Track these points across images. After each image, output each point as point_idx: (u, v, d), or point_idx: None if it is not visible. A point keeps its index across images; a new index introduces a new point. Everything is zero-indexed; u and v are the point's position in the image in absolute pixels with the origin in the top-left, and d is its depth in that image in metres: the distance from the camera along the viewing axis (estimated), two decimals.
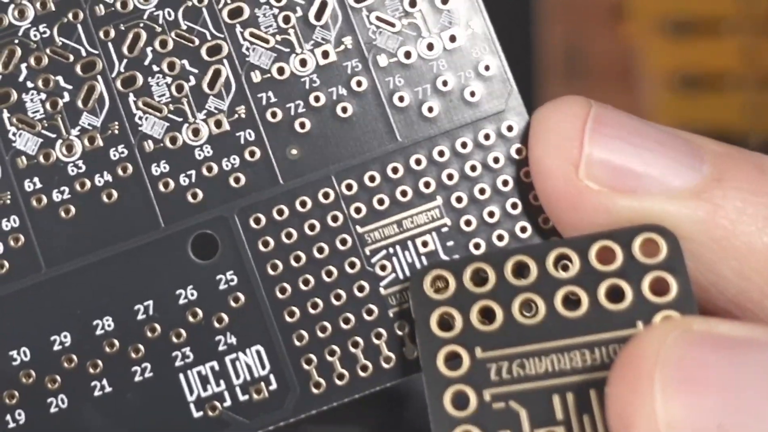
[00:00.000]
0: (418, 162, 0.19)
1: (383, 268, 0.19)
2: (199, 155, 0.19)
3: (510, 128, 0.19)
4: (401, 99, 0.19)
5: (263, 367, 0.19)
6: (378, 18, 0.19)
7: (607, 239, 0.17)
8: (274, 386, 0.19)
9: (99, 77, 0.19)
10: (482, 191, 0.19)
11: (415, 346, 0.19)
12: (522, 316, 0.17)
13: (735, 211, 0.17)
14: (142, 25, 0.19)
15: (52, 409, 0.19)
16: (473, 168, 0.19)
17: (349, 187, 0.19)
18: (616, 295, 0.17)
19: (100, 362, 0.19)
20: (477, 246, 0.19)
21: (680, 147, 0.17)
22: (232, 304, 0.19)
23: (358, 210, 0.19)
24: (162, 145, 0.19)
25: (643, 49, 0.59)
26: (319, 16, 0.19)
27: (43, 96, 0.19)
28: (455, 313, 0.17)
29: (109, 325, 0.19)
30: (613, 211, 0.17)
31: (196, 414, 0.19)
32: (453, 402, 0.17)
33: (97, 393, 0.19)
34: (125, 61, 0.19)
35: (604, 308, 0.17)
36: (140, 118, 0.19)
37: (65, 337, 0.19)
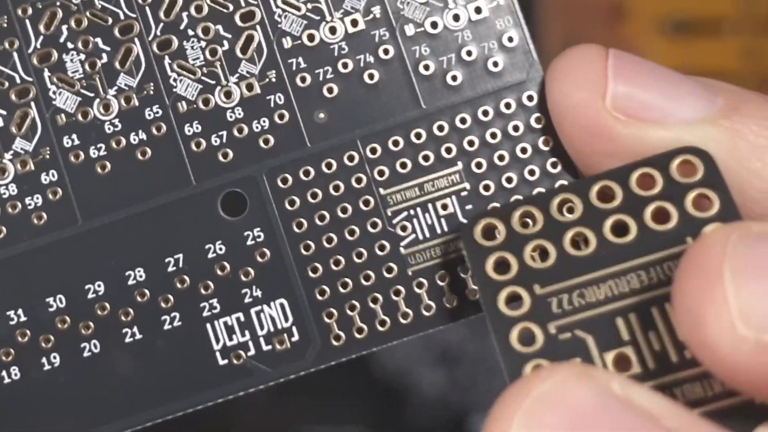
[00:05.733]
0: (440, 128, 0.20)
1: (404, 228, 0.20)
2: (231, 117, 0.20)
3: (531, 98, 0.20)
4: (426, 68, 0.20)
5: (286, 320, 0.20)
6: None
7: (646, 166, 0.18)
8: (296, 338, 0.20)
9: (136, 40, 0.20)
10: (501, 158, 0.20)
11: (431, 302, 0.19)
12: (574, 249, 0.18)
13: (753, 135, 0.18)
14: None
15: (86, 354, 0.20)
16: (493, 135, 0.20)
17: (373, 150, 0.20)
18: (661, 217, 0.18)
19: (131, 311, 0.20)
20: None
21: (695, 83, 0.19)
22: (259, 259, 0.20)
23: (381, 173, 0.20)
24: (195, 106, 0.20)
25: (643, 49, 0.60)
26: None
27: (83, 57, 0.20)
28: (509, 256, 0.18)
29: (140, 276, 0.20)
30: (642, 138, 0.18)
31: (222, 362, 0.20)
32: (520, 339, 0.17)
33: (128, 339, 0.20)
34: (161, 24, 0.20)
35: (652, 230, 0.18)
36: (175, 80, 0.20)
37: (99, 286, 0.20)
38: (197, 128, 0.20)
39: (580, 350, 0.17)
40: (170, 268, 0.20)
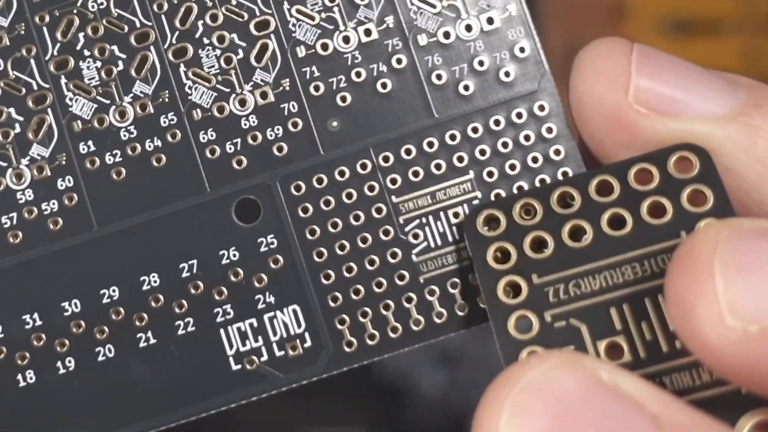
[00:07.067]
0: (452, 137, 0.20)
1: (416, 236, 0.20)
2: (245, 124, 0.20)
3: (542, 108, 0.20)
4: (439, 77, 0.20)
5: (299, 326, 0.20)
6: None
7: (643, 162, 0.18)
8: (308, 344, 0.20)
9: (152, 48, 0.20)
10: (512, 167, 0.20)
11: (443, 309, 0.20)
12: (572, 241, 0.18)
13: None
14: None
15: (100, 358, 0.20)
16: (505, 144, 0.20)
17: (386, 159, 0.20)
18: (657, 211, 0.18)
19: (145, 315, 0.20)
20: None
21: (718, 78, 0.19)
22: (272, 265, 0.20)
23: (393, 181, 0.20)
24: (210, 114, 0.20)
25: None
26: None
27: (99, 64, 0.20)
28: (509, 246, 0.18)
29: (155, 281, 0.20)
30: (662, 132, 0.18)
31: (235, 367, 0.20)
32: (517, 327, 0.18)
33: (142, 344, 0.20)
34: (177, 33, 0.20)
35: (648, 224, 0.18)
36: (190, 87, 0.20)
37: (114, 291, 0.20)
38: (212, 135, 0.20)
39: (574, 338, 0.18)
40: (184, 274, 0.20)
